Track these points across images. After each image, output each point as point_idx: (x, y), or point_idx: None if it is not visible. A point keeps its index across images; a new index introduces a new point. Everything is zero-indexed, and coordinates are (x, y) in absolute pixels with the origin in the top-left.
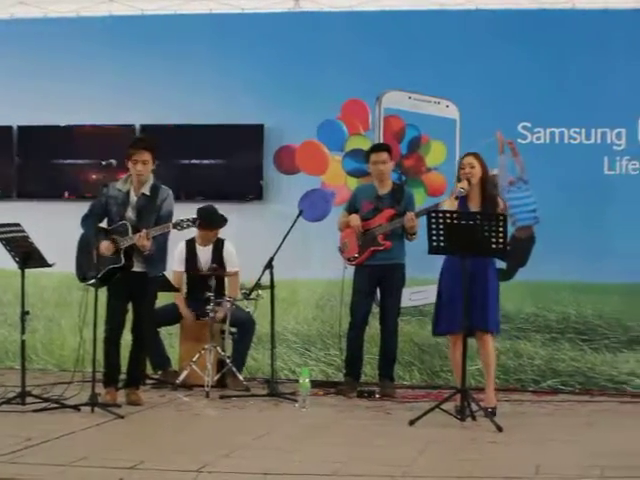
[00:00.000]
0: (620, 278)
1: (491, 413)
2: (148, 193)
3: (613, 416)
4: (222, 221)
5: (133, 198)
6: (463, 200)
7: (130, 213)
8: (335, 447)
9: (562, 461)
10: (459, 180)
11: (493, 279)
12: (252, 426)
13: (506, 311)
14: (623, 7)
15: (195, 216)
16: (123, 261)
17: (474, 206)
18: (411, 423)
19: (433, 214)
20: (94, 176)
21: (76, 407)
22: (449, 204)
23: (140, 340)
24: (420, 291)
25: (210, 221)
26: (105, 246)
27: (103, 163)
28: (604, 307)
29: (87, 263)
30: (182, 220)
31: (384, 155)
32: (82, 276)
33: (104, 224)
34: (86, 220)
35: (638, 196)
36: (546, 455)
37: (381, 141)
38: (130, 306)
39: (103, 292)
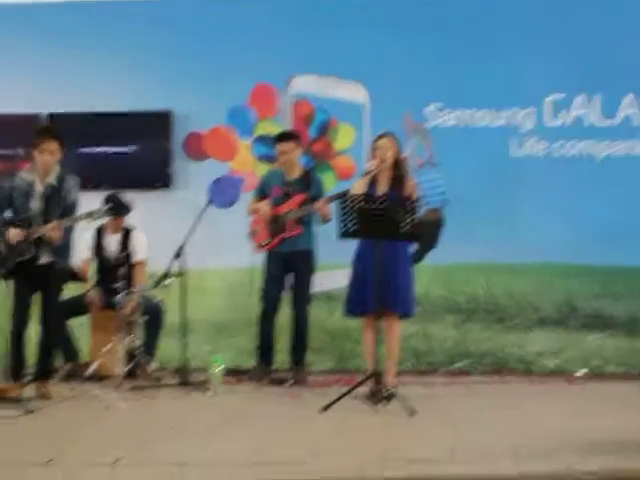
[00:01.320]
0: (529, 258)
1: (391, 396)
2: (55, 183)
3: (524, 397)
4: (126, 209)
5: (39, 188)
6: (372, 182)
7: (36, 203)
8: (249, 435)
9: (477, 443)
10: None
11: (404, 261)
12: (165, 417)
13: (416, 294)
14: None
15: (108, 205)
16: (33, 252)
17: (383, 188)
18: (325, 409)
19: (343, 199)
20: None
21: None
22: (358, 182)
23: (48, 332)
24: (328, 276)
25: (116, 209)
26: (14, 234)
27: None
28: (514, 288)
29: None
30: (93, 210)
31: (289, 144)
32: None
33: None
34: None
35: (545, 177)
36: (461, 437)
37: (290, 126)
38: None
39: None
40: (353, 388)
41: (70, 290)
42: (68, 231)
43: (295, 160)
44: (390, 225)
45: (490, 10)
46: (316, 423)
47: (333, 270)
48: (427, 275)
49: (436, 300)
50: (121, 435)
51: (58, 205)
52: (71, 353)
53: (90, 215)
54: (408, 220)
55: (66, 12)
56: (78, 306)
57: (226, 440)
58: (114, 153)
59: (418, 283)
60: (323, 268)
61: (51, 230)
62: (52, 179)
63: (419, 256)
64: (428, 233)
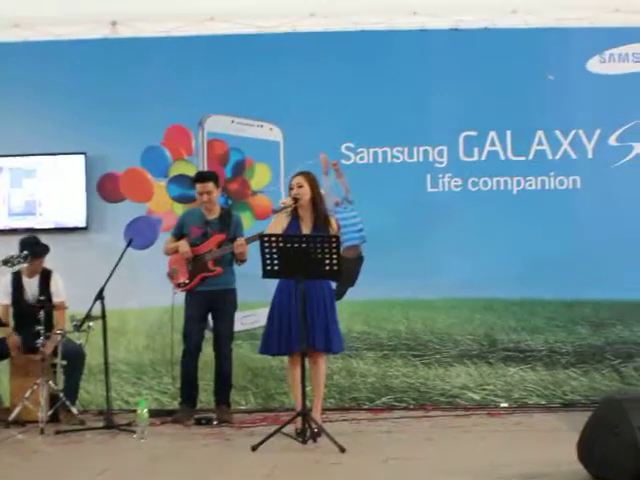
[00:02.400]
0: (448, 293)
1: (317, 434)
2: None
3: (449, 431)
4: (45, 250)
5: None
6: (295, 221)
7: None
8: (180, 478)
9: (410, 478)
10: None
11: (329, 298)
12: (92, 461)
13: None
14: (440, 27)
15: (26, 252)
16: None
17: (306, 227)
18: (254, 449)
19: (266, 238)
20: None
21: None
22: (273, 221)
23: None
24: (250, 314)
25: (33, 251)
26: None
27: None
28: (434, 322)
29: None
30: (12, 256)
31: (209, 185)
32: None
33: None
34: None
35: (461, 212)
36: (391, 474)
37: (205, 166)
38: None
39: None
40: (282, 427)
41: None
42: None
43: (214, 200)
44: (314, 264)
45: (402, 51)
46: (247, 463)
47: (255, 309)
48: (348, 312)
49: (357, 336)
50: None
51: None
52: None
53: (7, 262)
54: (333, 258)
55: None
56: None
57: None
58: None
59: (340, 320)
60: (244, 307)
61: None
62: None
63: (339, 293)
64: (348, 270)
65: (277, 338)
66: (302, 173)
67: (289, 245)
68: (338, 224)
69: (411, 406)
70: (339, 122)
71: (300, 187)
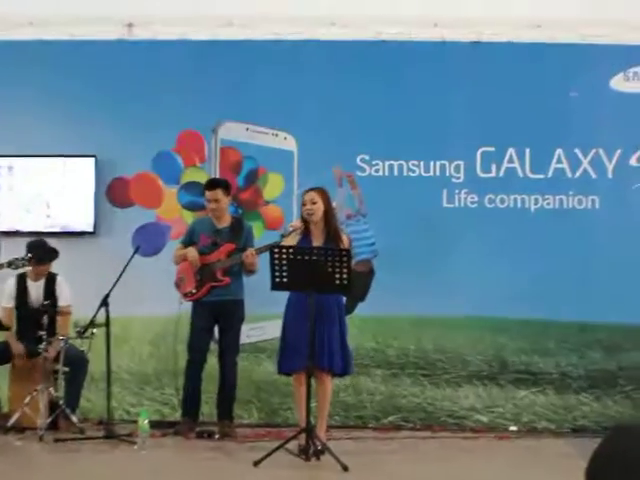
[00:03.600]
0: (460, 311)
1: (320, 451)
2: None
3: (456, 452)
4: (53, 254)
5: None
6: (306, 236)
7: None
8: None
9: None
10: (302, 217)
11: (340, 316)
12: (91, 471)
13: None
14: (460, 40)
15: (29, 254)
16: None
17: (317, 242)
18: (256, 464)
19: (276, 250)
20: None
21: None
22: (287, 242)
23: None
24: (257, 327)
25: (40, 255)
26: None
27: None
28: (444, 341)
29: None
30: (16, 259)
31: (218, 193)
32: None
33: None
34: None
35: (476, 229)
36: None
37: (217, 173)
38: None
39: None
40: (286, 442)
41: None
42: None
43: (223, 209)
44: (324, 277)
45: (421, 63)
46: (247, 478)
47: (262, 321)
48: (357, 327)
49: (366, 353)
50: None
51: None
52: None
53: (11, 264)
54: (343, 272)
55: None
56: None
57: None
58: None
59: (349, 336)
60: (252, 319)
61: None
62: None
63: (349, 307)
64: (358, 285)
65: (286, 355)
66: (315, 189)
67: (299, 257)
68: (350, 239)
69: (418, 426)
70: (355, 133)
71: (314, 203)
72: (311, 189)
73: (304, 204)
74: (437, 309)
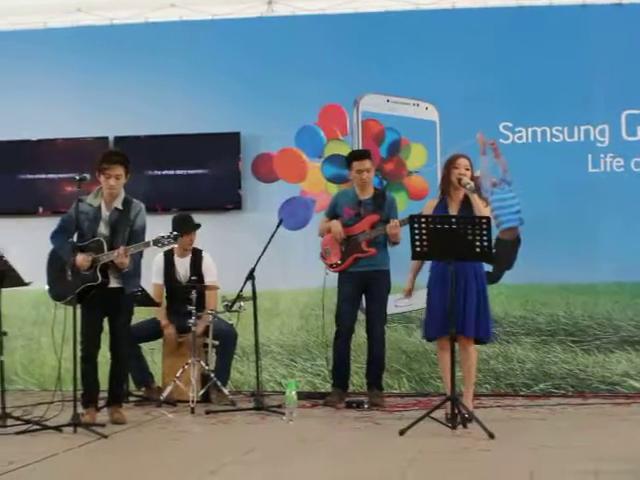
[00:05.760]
0: (609, 277)
1: (467, 419)
2: (121, 207)
3: (607, 419)
4: (194, 226)
5: (105, 213)
6: (443, 203)
7: (103, 228)
8: (325, 460)
9: (556, 467)
10: (444, 181)
11: (479, 284)
12: (239, 442)
13: (494, 315)
14: (603, 2)
15: (176, 232)
16: (100, 278)
17: (454, 209)
18: (401, 433)
19: (415, 219)
20: (68, 189)
21: (58, 428)
22: (432, 201)
23: (119, 357)
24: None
25: (183, 225)
26: (81, 259)
27: (77, 177)
28: (594, 307)
29: (59, 280)
30: (162, 236)
31: (367, 163)
32: (54, 294)
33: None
34: (56, 236)
35: (623, 193)
36: (540, 461)
37: (360, 146)
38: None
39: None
40: (431, 411)
41: (141, 314)
42: (137, 256)
43: (371, 179)
44: (464, 245)
45: (559, 29)
46: (393, 447)
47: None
48: (505, 295)
49: (515, 321)
50: (194, 460)
51: (125, 230)
52: (144, 377)
53: (157, 242)
54: (484, 240)
55: (127, 33)
56: (150, 330)
57: (301, 466)
58: (183, 176)
59: (497, 304)
60: (399, 289)
61: (120, 257)
62: (118, 204)
63: (495, 276)
64: (504, 253)
65: (431, 321)
66: (465, 156)
67: (439, 226)
68: (488, 206)
69: (569, 393)
70: (497, 100)
71: (467, 169)
72: (463, 155)
73: (456, 167)
74: (586, 275)
